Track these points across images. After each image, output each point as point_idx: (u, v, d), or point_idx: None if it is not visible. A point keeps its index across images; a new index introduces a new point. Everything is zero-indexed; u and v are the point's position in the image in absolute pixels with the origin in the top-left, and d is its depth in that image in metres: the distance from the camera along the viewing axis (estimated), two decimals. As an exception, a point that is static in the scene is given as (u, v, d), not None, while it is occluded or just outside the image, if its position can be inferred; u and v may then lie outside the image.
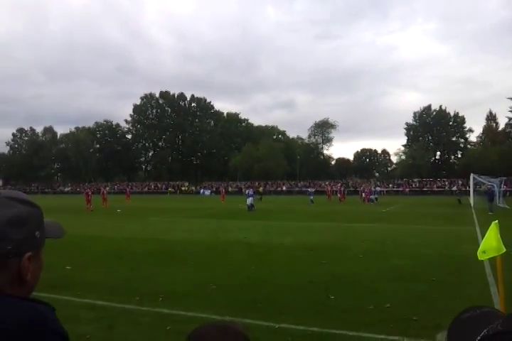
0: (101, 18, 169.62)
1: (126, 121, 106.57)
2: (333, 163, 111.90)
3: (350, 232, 16.41)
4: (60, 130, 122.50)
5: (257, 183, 74.67)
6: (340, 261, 10.25)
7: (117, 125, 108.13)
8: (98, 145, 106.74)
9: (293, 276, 8.59)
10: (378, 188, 53.42)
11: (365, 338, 5.18)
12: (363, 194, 42.26)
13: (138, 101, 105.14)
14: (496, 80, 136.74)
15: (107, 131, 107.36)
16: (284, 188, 74.72)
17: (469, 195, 36.64)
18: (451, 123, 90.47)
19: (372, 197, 39.72)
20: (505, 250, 4.05)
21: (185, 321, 5.73)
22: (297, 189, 73.69)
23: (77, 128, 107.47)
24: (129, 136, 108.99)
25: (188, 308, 6.36)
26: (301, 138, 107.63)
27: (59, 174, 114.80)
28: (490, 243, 4.13)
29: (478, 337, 0.63)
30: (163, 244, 13.31)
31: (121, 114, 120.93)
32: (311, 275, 8.68)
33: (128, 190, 54.96)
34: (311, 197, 39.86)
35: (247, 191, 33.26)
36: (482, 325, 0.65)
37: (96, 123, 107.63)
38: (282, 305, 6.53)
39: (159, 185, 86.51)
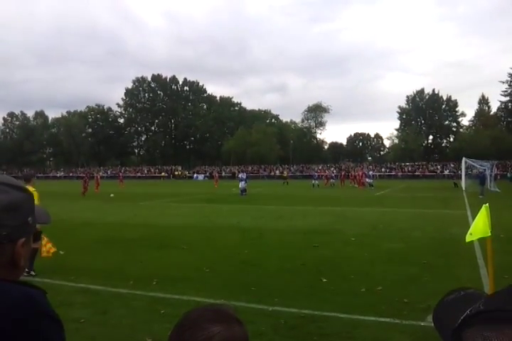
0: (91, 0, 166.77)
1: (118, 104, 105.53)
2: (325, 147, 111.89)
3: (343, 216, 16.51)
4: (52, 114, 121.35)
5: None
6: (333, 245, 10.33)
7: (109, 109, 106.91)
8: (90, 130, 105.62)
9: (285, 260, 8.65)
10: (371, 172, 53.34)
11: (356, 320, 5.24)
12: (357, 177, 42.13)
13: (130, 85, 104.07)
14: (489, 64, 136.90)
15: (98, 115, 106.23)
16: (277, 173, 74.77)
17: (461, 178, 36.85)
18: (443, 106, 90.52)
19: (368, 180, 39.34)
20: (489, 234, 4.11)
21: (179, 305, 5.77)
22: (290, 174, 73.76)
23: (68, 113, 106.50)
24: (122, 120, 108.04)
25: (181, 292, 6.40)
26: (295, 123, 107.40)
27: (51, 159, 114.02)
28: (478, 225, 4.18)
29: (462, 317, 0.64)
30: (157, 228, 13.33)
31: (113, 97, 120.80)
32: (304, 258, 8.75)
33: (121, 174, 54.82)
34: (315, 182, 40.22)
35: (239, 175, 33.23)
36: (466, 305, 0.66)
37: (88, 107, 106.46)
38: (275, 288, 6.59)
39: (152, 170, 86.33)
